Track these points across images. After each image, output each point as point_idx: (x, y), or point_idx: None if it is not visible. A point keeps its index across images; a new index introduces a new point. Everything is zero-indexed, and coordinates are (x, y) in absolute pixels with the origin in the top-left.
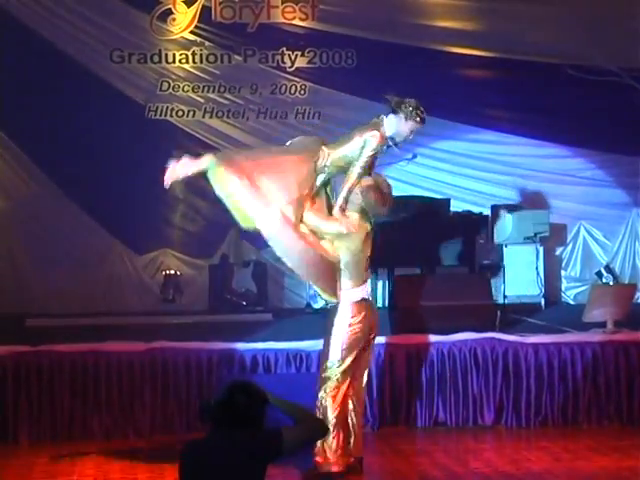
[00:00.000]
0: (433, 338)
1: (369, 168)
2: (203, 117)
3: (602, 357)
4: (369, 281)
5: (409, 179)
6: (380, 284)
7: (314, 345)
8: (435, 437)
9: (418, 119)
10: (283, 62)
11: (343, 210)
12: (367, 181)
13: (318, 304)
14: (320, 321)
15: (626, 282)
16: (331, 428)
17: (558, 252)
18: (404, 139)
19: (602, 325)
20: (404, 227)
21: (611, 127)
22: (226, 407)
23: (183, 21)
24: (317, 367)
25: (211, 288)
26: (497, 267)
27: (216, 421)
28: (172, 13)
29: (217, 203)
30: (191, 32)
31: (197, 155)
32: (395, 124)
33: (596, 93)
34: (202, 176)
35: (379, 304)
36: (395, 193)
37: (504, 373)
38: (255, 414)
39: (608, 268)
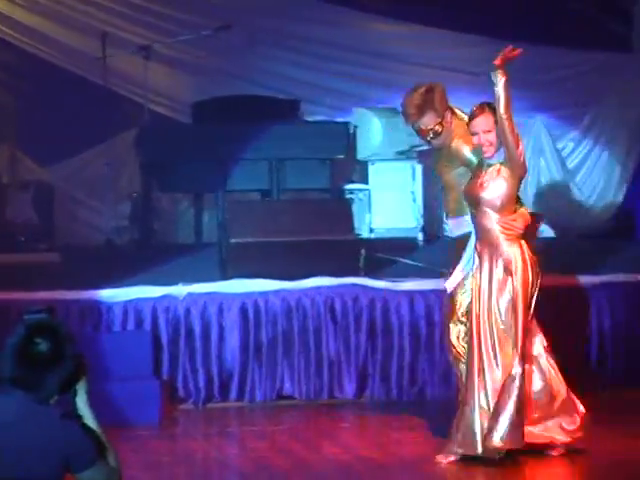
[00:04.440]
0: (277, 285)
1: None
2: None
3: None
4: None
5: (246, 74)
6: (206, 214)
7: (117, 295)
8: (279, 415)
9: None
10: None
11: None
12: None
13: (122, 239)
14: (125, 262)
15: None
16: None
17: None
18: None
19: None
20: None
21: (512, 10)
22: (20, 353)
23: None
24: (122, 325)
25: None
26: (360, 191)
27: (7, 375)
28: None
29: None
30: None
31: None
32: None
33: None
34: None
35: (206, 239)
36: (229, 92)
37: (369, 331)
38: (57, 368)
39: None
